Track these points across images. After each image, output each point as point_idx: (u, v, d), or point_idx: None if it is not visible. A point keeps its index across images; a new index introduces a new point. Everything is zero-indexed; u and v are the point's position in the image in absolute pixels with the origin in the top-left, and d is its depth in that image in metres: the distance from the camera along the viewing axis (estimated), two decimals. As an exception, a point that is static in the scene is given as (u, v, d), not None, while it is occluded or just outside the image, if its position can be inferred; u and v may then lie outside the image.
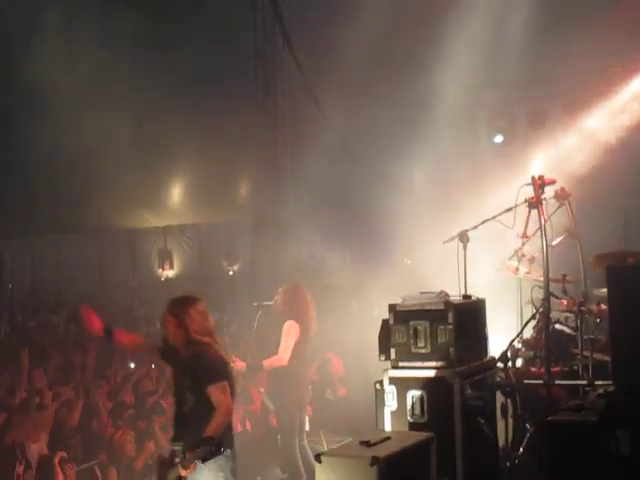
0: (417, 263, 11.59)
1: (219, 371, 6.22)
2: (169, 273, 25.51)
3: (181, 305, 6.36)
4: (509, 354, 7.82)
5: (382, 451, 5.83)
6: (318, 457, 5.78)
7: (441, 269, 8.75)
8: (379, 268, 12.38)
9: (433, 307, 6.86)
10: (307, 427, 9.83)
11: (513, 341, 7.93)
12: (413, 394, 6.77)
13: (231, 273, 24.55)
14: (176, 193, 22.29)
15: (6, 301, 22.34)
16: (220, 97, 17.45)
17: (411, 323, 6.88)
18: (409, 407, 6.77)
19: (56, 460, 8.84)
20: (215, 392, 6.09)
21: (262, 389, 10.85)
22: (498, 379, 7.55)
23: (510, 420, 7.56)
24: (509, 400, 7.59)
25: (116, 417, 10.32)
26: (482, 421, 6.95)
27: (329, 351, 12.24)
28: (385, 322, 7.00)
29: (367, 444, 5.97)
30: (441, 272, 8.38)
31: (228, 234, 23.85)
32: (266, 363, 8.96)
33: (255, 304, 9.61)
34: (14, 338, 15.70)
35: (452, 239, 8.04)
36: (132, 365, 13.14)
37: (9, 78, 15.90)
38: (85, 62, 16.06)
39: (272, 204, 17.23)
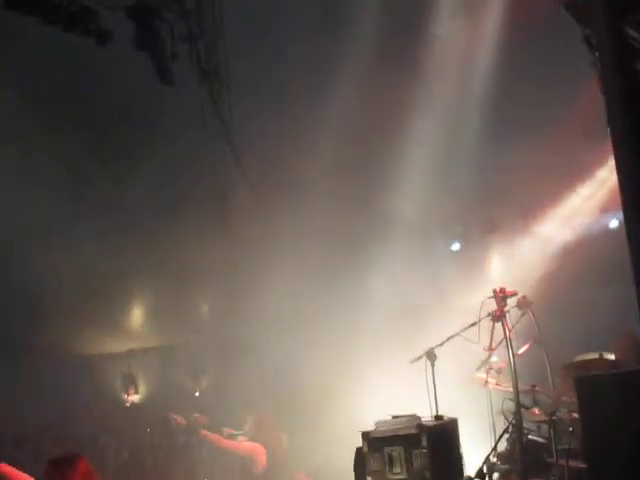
0: (384, 380, 11.50)
1: None
2: (134, 398, 25.11)
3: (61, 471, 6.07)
4: (485, 469, 7.78)
5: None
6: None
7: (409, 386, 8.72)
8: (350, 386, 12.29)
9: (406, 432, 6.82)
10: None
11: (488, 456, 7.89)
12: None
13: (197, 394, 24.23)
14: (137, 316, 22.18)
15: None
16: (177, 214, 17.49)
17: (385, 449, 6.83)
18: None
19: None
20: None
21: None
22: (477, 498, 7.48)
23: None
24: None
25: None
26: None
27: (298, 470, 12.07)
28: (359, 450, 6.95)
29: None
30: (409, 389, 8.34)
31: (193, 354, 23.63)
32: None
33: (226, 434, 9.57)
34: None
35: (419, 358, 8.06)
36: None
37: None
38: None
39: (237, 323, 17.19)
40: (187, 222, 16.45)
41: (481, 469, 7.64)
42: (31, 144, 14.94)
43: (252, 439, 9.30)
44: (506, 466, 8.47)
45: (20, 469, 16.59)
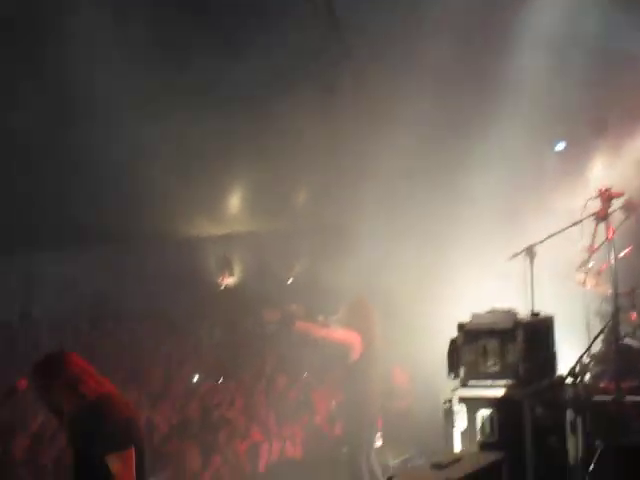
0: (481, 276, 11.47)
1: (121, 434, 5.23)
2: (229, 281, 25.61)
3: (52, 369, 5.35)
4: (577, 370, 7.75)
5: (454, 473, 5.81)
6: (390, 479, 5.78)
7: (505, 283, 8.69)
8: (444, 280, 12.30)
9: (502, 326, 6.84)
10: (379, 443, 9.84)
11: (582, 356, 7.85)
12: (483, 413, 6.76)
13: (290, 281, 24.56)
14: (236, 201, 22.43)
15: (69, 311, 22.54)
16: (283, 104, 17.48)
17: (480, 342, 6.87)
18: (479, 427, 6.76)
19: None
20: (116, 462, 5.15)
21: (333, 402, 10.90)
22: (567, 396, 7.48)
23: (580, 438, 7.50)
24: (579, 417, 7.52)
25: (181, 432, 10.42)
26: (552, 439, 6.91)
27: (393, 364, 12.22)
28: (453, 341, 6.99)
29: (439, 466, 5.95)
30: (506, 286, 8.31)
31: (288, 242, 23.88)
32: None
33: (320, 318, 9.67)
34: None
35: (518, 255, 8.00)
36: (196, 378, 13.20)
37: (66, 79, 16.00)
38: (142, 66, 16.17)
39: (334, 211, 17.23)
40: (291, 110, 16.45)
41: (573, 369, 7.60)
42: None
43: (346, 326, 9.35)
44: (599, 368, 8.46)
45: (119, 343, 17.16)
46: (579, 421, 7.45)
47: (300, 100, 16.31)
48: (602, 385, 8.26)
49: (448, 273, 12.30)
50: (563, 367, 7.57)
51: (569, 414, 7.38)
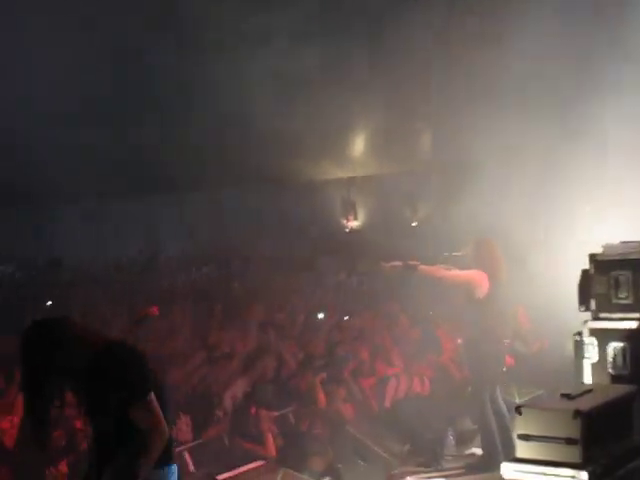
0: (613, 204, 11.10)
1: (141, 379, 4.92)
2: (353, 224, 25.72)
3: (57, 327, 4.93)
4: None
5: (584, 404, 5.70)
6: (518, 409, 5.71)
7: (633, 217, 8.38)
8: (567, 218, 12.00)
9: (636, 257, 6.62)
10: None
11: None
12: (614, 346, 6.57)
13: (414, 224, 24.49)
14: (360, 144, 22.37)
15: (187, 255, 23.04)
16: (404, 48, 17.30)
17: (612, 273, 6.66)
18: (610, 359, 6.59)
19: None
20: (139, 410, 4.86)
21: (459, 340, 10.86)
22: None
23: None
24: None
25: (306, 367, 10.56)
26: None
27: (516, 303, 12.06)
28: (585, 272, 6.81)
29: (568, 397, 5.85)
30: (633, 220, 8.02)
31: (411, 185, 23.76)
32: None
33: (445, 254, 9.62)
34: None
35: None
36: (321, 315, 13.33)
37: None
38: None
39: (455, 152, 17.00)
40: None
41: None
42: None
43: (472, 264, 9.27)
44: None
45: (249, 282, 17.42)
46: None
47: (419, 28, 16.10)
48: None
49: (573, 205, 11.96)
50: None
51: None
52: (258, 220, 24.69)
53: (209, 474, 7.86)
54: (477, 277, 9.24)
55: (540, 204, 12.90)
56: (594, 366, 6.66)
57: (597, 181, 11.84)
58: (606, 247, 6.81)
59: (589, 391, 6.08)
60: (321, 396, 9.88)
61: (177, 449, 8.40)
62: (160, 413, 4.86)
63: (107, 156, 19.45)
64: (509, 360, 11.12)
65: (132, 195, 24.47)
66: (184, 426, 9.02)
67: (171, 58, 17.61)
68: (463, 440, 10.23)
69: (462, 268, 9.30)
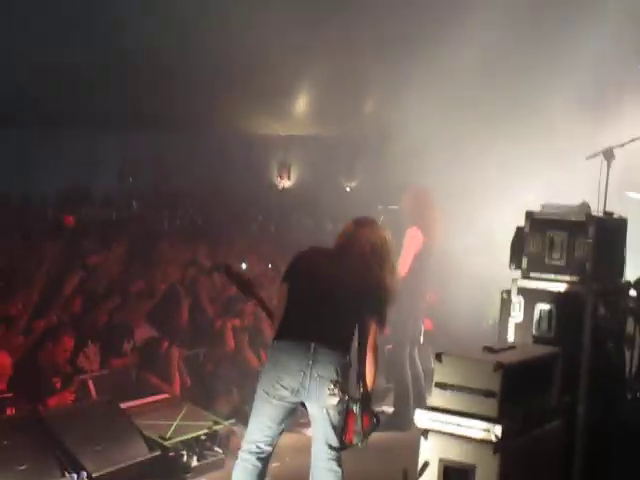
0: (555, 173, 11.04)
1: None
2: (286, 183, 25.46)
3: None
4: (642, 283, 7.39)
5: (506, 358, 5.53)
6: (439, 356, 5.52)
7: (580, 182, 8.25)
8: (510, 175, 11.92)
9: (574, 218, 6.46)
10: (421, 340, 9.63)
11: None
12: (542, 307, 6.43)
13: (348, 189, 24.34)
14: (302, 103, 21.96)
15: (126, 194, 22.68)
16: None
17: (548, 233, 6.49)
18: (536, 320, 6.45)
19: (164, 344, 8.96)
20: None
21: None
22: (630, 304, 7.13)
23: (636, 351, 7.17)
24: (638, 329, 7.17)
25: (221, 312, 10.37)
26: (611, 344, 6.59)
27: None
28: (520, 229, 6.64)
29: (490, 350, 5.68)
30: (581, 185, 7.87)
31: (349, 149, 23.56)
32: None
33: (380, 207, 9.42)
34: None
35: (596, 155, 7.57)
36: (244, 265, 13.11)
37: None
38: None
39: (399, 119, 16.71)
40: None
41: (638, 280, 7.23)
42: None
43: (407, 216, 9.05)
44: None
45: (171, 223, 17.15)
46: (638, 334, 7.10)
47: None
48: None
49: (518, 167, 11.87)
50: (631, 275, 7.20)
51: (629, 324, 7.05)
52: (199, 162, 24.33)
53: (111, 401, 7.56)
54: (412, 242, 9.01)
55: (489, 162, 12.73)
56: (519, 326, 6.52)
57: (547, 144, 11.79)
58: (545, 206, 6.66)
59: (512, 347, 5.93)
60: (230, 341, 9.72)
61: (81, 377, 8.19)
62: None
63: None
64: (428, 324, 10.99)
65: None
66: (91, 354, 8.77)
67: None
68: (374, 397, 10.03)
69: (397, 221, 9.06)
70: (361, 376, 5.69)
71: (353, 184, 24.30)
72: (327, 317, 5.49)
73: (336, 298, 5.51)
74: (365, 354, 5.63)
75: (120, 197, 21.84)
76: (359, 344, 5.64)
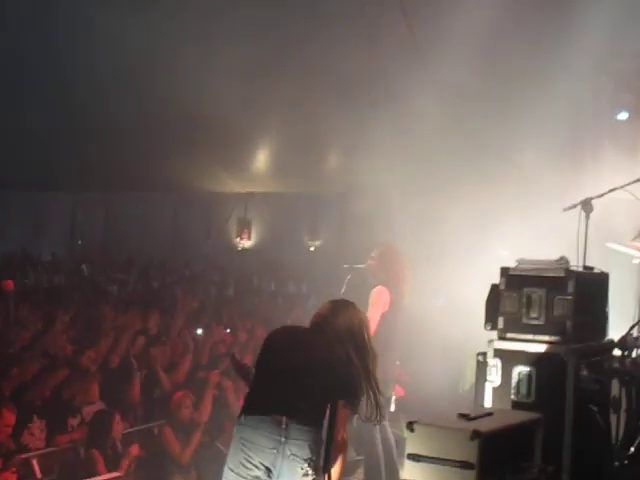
0: (531, 226, 11.02)
1: None
2: (246, 244, 25.27)
3: None
4: (627, 342, 7.28)
5: (484, 426, 5.37)
6: (410, 425, 5.36)
7: (557, 235, 8.20)
8: (482, 230, 11.90)
9: (552, 274, 6.35)
10: (392, 407, 9.43)
11: (633, 327, 7.37)
12: (520, 370, 6.29)
13: (312, 249, 24.21)
14: (262, 159, 21.90)
15: (76, 257, 22.46)
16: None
17: (525, 290, 6.38)
18: (514, 384, 6.31)
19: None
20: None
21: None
22: (615, 366, 7.01)
23: (622, 414, 7.04)
24: (624, 391, 7.04)
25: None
26: (595, 409, 6.45)
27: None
28: (495, 287, 6.52)
29: (466, 417, 5.52)
30: (558, 238, 7.83)
31: (312, 206, 23.52)
32: None
33: (345, 266, 9.26)
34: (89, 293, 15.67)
35: (574, 207, 7.51)
36: (199, 331, 12.95)
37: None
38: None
39: (364, 176, 16.69)
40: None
41: (624, 338, 7.12)
42: None
43: (374, 275, 8.91)
44: (649, 344, 7.96)
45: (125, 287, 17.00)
46: (624, 395, 6.97)
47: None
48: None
49: (490, 221, 11.85)
50: (613, 333, 7.10)
51: (614, 386, 6.92)
52: (149, 228, 24.21)
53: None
54: (378, 301, 8.86)
55: (459, 220, 12.74)
56: (496, 390, 6.37)
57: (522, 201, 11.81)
58: (520, 261, 6.56)
59: (489, 414, 5.78)
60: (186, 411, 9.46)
61: (24, 455, 7.95)
62: None
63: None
64: (399, 390, 10.79)
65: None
66: (36, 431, 8.53)
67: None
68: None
69: (364, 279, 8.92)
70: (327, 470, 5.46)
71: (317, 243, 24.18)
72: (298, 391, 5.30)
73: (308, 372, 5.33)
74: (333, 443, 5.42)
75: (69, 260, 21.58)
76: (329, 426, 5.45)
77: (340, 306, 5.69)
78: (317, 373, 5.34)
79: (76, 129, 18.44)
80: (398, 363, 9.50)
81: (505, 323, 6.47)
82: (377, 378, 5.54)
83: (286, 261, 21.94)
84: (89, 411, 9.04)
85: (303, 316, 13.12)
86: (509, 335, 6.45)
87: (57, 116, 17.65)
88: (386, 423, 9.23)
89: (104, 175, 21.14)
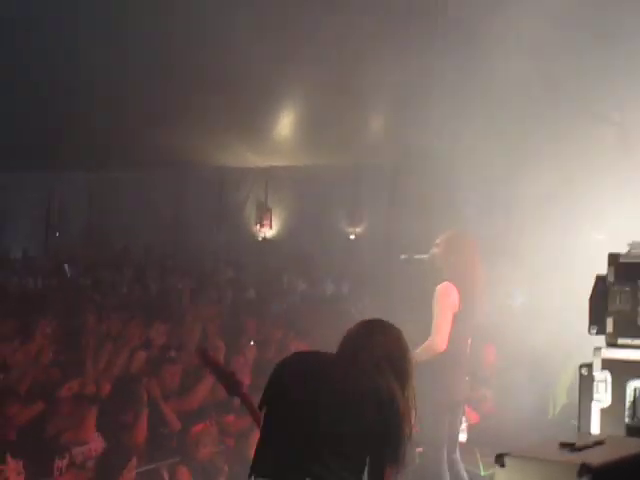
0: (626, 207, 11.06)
1: None
2: (267, 232, 25.32)
3: None
4: None
5: (594, 458, 5.34)
6: (501, 458, 5.32)
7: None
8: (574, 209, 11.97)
9: (679, 259, 6.34)
10: (464, 437, 9.47)
11: None
12: (636, 385, 6.27)
13: (352, 237, 24.27)
14: (286, 123, 21.79)
15: (53, 252, 22.67)
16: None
17: (640, 282, 6.38)
18: (629, 404, 6.28)
19: None
20: None
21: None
22: None
23: None
24: None
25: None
26: None
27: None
28: (600, 279, 6.48)
29: (571, 447, 5.49)
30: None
31: (352, 183, 23.54)
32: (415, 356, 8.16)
33: (403, 257, 9.31)
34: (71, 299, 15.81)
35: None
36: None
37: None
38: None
39: (420, 142, 16.74)
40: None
41: None
42: None
43: (441, 268, 8.94)
44: None
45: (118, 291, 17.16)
46: None
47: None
48: None
49: (583, 198, 11.91)
50: None
51: None
52: (148, 216, 24.43)
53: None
54: (446, 302, 8.88)
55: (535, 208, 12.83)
56: (605, 412, 6.35)
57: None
58: (633, 245, 6.50)
59: (599, 443, 5.74)
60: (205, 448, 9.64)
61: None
62: None
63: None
64: (472, 415, 10.83)
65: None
66: (11, 473, 8.59)
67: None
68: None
69: (426, 272, 8.98)
70: None
71: (359, 229, 24.20)
72: (322, 444, 5.23)
73: (335, 416, 5.28)
74: None
75: (45, 258, 21.77)
76: None
77: (376, 326, 5.65)
78: (349, 417, 5.28)
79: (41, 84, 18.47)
80: (467, 379, 9.53)
81: (616, 326, 6.43)
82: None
83: (319, 253, 22.01)
84: (80, 451, 9.12)
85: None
86: (621, 341, 6.41)
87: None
88: (456, 457, 9.28)
89: (84, 149, 21.24)
